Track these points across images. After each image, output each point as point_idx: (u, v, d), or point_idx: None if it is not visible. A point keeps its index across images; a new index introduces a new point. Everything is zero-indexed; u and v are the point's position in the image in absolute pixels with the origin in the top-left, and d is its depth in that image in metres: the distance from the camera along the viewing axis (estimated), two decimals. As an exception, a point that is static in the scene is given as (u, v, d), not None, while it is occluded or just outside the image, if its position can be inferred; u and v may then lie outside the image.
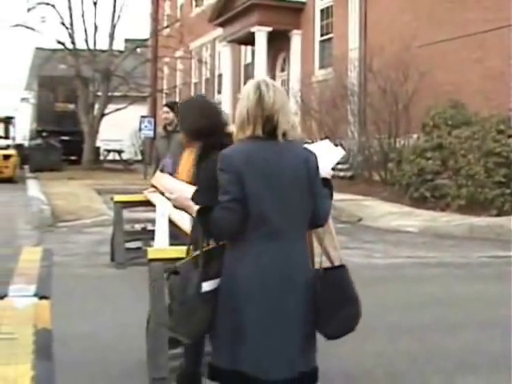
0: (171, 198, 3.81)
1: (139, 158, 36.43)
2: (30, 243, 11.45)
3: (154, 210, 6.62)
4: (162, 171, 9.52)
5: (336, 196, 13.60)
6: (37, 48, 33.45)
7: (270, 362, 3.46)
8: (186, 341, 3.62)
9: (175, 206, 3.85)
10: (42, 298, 7.65)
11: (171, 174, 9.24)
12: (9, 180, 23.29)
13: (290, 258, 3.50)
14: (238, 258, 3.46)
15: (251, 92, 3.59)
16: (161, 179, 4.56)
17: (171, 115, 9.51)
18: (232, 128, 3.74)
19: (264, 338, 3.46)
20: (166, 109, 9.61)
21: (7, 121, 33.53)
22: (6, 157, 26.57)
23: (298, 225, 3.54)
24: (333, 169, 3.89)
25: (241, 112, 3.57)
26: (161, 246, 5.41)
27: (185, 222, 5.08)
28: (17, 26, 29.83)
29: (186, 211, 3.79)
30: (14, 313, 7.14)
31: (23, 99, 55.68)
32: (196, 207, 3.59)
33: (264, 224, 3.44)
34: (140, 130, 29.20)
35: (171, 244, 5.46)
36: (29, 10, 29.86)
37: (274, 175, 3.47)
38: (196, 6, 33.93)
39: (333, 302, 3.58)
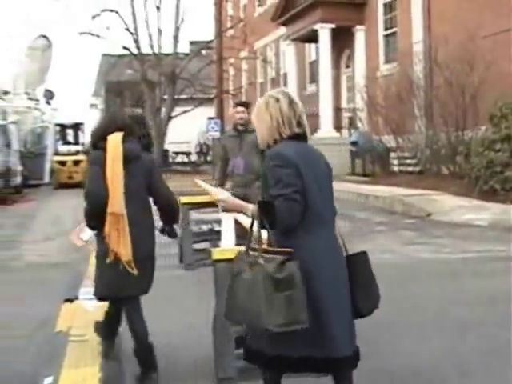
0: (220, 199, 4.00)
1: (207, 159, 36.70)
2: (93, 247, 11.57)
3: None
4: (232, 172, 9.56)
5: (405, 191, 13.51)
6: (103, 54, 33.99)
7: (340, 338, 3.76)
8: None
9: (225, 209, 4.03)
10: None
11: (242, 175, 9.27)
12: (78, 185, 23.64)
13: (336, 243, 3.91)
14: (297, 245, 3.68)
15: (280, 97, 3.94)
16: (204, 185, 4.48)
17: (246, 115, 9.46)
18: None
19: (333, 317, 3.74)
20: (241, 108, 9.53)
21: (77, 127, 34.13)
22: (76, 162, 27.08)
23: (333, 213, 3.97)
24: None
25: (273, 116, 3.89)
26: (226, 247, 5.43)
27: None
28: (83, 33, 30.33)
29: (238, 211, 4.01)
30: (85, 315, 7.28)
31: (92, 105, 56.61)
32: (250, 205, 3.83)
33: (316, 213, 3.78)
34: (207, 131, 29.45)
35: (238, 244, 5.49)
36: (93, 17, 30.32)
37: (316, 170, 3.86)
38: (259, 5, 33.96)
39: (365, 282, 3.98)
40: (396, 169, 21.84)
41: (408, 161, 21.30)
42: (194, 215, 9.77)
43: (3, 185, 20.66)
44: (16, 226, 12.83)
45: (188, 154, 38.44)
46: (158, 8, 31.29)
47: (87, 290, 8.24)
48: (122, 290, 5.27)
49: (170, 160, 36.71)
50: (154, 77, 31.78)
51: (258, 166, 9.27)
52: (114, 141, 5.35)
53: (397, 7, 23.54)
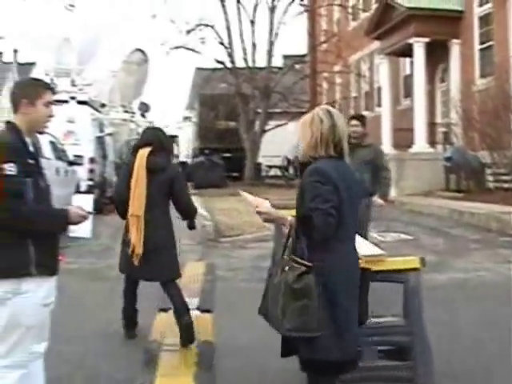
0: (260, 211, 4.28)
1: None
2: (193, 258, 11.72)
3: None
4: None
5: (501, 208, 13.10)
6: (197, 68, 34.45)
7: (354, 344, 4.19)
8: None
9: (266, 220, 4.38)
10: (204, 311, 7.85)
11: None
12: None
13: (356, 257, 4.30)
14: (325, 257, 4.03)
15: (324, 119, 4.27)
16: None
17: (360, 129, 9.38)
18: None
19: (353, 324, 4.17)
20: (355, 122, 9.44)
21: (171, 139, 34.65)
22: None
23: (355, 229, 4.33)
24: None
25: (313, 134, 4.25)
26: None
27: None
28: (177, 47, 30.77)
29: (277, 222, 4.51)
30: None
31: (185, 118, 57.37)
32: (289, 216, 4.21)
33: (346, 228, 4.11)
34: (299, 145, 29.44)
35: None
36: (188, 31, 30.72)
37: (351, 188, 4.19)
38: (352, 19, 33.85)
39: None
40: (491, 185, 21.37)
41: (504, 177, 20.81)
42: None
43: (99, 195, 21.14)
44: (111, 236, 13.05)
45: (281, 167, 38.51)
46: (252, 22, 31.53)
47: (181, 300, 8.33)
48: (134, 272, 6.79)
49: (263, 173, 36.78)
50: (248, 90, 31.96)
51: (369, 182, 9.21)
52: (141, 154, 6.71)
53: (493, 20, 23.10)
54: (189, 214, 7.16)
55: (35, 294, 4.12)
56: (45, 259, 4.17)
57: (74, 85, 22.93)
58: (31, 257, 4.08)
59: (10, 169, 3.97)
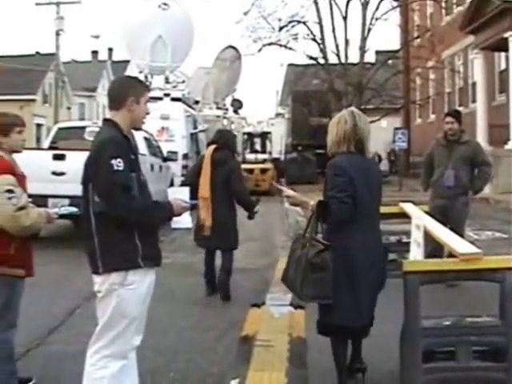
0: (288, 194, 5.24)
1: (394, 170, 36.29)
2: (286, 253, 11.72)
3: (410, 222, 6.53)
4: (436, 182, 9.37)
5: None
6: (289, 64, 34.39)
7: (368, 313, 5.11)
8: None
9: (291, 203, 5.39)
10: (297, 307, 7.84)
11: (449, 188, 9.09)
12: (265, 193, 24.08)
13: (376, 234, 5.29)
14: (348, 235, 4.94)
15: (348, 119, 5.15)
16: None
17: (456, 125, 9.26)
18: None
19: (367, 295, 5.03)
20: (450, 119, 9.33)
21: (264, 136, 34.79)
22: (263, 171, 27.56)
23: (378, 207, 5.34)
24: None
25: (338, 133, 5.14)
26: (416, 259, 5.34)
27: (444, 235, 5.07)
28: (270, 44, 30.79)
29: (301, 205, 5.32)
30: (271, 321, 7.38)
31: (278, 114, 57.49)
32: (312, 201, 5.01)
33: (365, 212, 5.00)
34: (394, 141, 29.17)
35: (430, 256, 5.49)
36: (281, 28, 30.69)
37: (369, 179, 5.12)
38: (446, 14, 33.24)
39: None
40: None
41: None
42: (382, 226, 9.65)
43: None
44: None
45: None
46: (344, 18, 31.31)
47: (274, 295, 8.37)
48: (205, 243, 8.71)
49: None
50: (341, 87, 31.76)
51: (467, 180, 9.10)
52: (208, 150, 8.75)
53: None
54: (244, 204, 8.74)
55: (140, 286, 4.26)
56: (150, 251, 4.33)
57: (168, 82, 23.26)
58: (138, 249, 4.24)
59: (118, 164, 4.13)
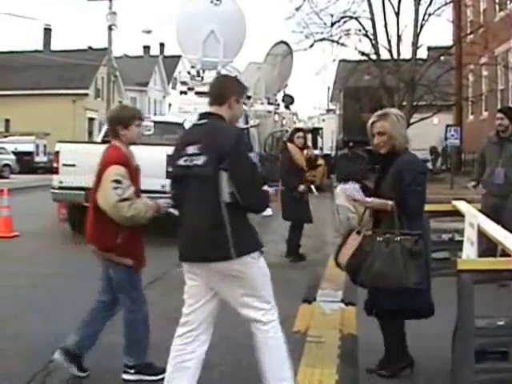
0: (367, 203, 5.57)
1: (445, 167, 35.96)
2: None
3: (462, 221, 6.49)
4: (487, 180, 9.29)
5: None
6: (341, 60, 34.15)
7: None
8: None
9: (371, 208, 5.65)
10: (348, 304, 7.85)
11: (500, 186, 8.99)
12: (317, 189, 24.02)
13: None
14: (422, 223, 5.57)
15: (402, 118, 5.75)
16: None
17: (506, 121, 9.18)
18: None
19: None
20: (500, 114, 9.26)
21: (315, 132, 34.73)
22: (314, 167, 27.48)
23: None
24: None
25: (403, 131, 5.70)
26: (470, 257, 5.31)
27: (498, 233, 5.05)
28: (322, 40, 30.66)
29: (382, 208, 5.48)
30: (322, 317, 7.40)
31: (329, 110, 57.33)
32: (389, 201, 5.41)
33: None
34: (446, 138, 28.90)
35: (484, 255, 5.71)
36: (333, 24, 30.56)
37: None
38: (499, 10, 32.76)
39: None
40: None
41: None
42: (434, 224, 9.58)
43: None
44: (257, 226, 13.28)
45: (424, 161, 37.93)
46: (397, 14, 31.07)
47: (325, 292, 8.38)
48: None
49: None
50: (393, 83, 31.52)
51: None
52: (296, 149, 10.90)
53: None
54: None
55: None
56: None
57: (220, 78, 23.32)
58: (257, 233, 4.85)
59: (253, 157, 4.59)
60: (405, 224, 5.34)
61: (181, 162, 4.76)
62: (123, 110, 5.83)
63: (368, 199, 5.54)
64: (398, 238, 5.28)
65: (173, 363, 4.80)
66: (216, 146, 4.58)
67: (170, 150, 12.87)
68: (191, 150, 4.69)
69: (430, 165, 37.08)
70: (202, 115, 4.90)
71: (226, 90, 4.84)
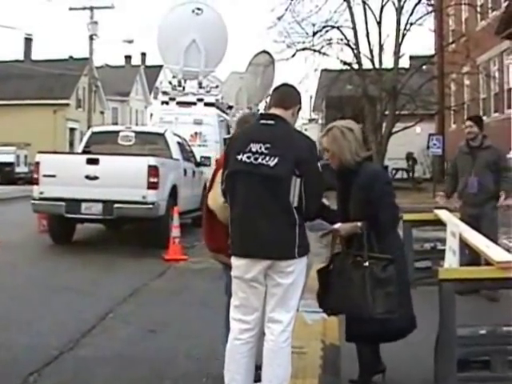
0: (338, 231, 5.39)
1: (427, 176, 36.07)
2: (320, 261, 11.70)
3: (444, 229, 6.51)
4: (462, 190, 9.31)
5: None
6: (323, 70, 34.23)
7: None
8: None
9: (344, 234, 5.43)
10: (330, 314, 7.81)
11: (475, 195, 9.01)
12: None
13: None
14: (396, 242, 5.47)
15: (354, 127, 5.52)
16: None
17: (475, 129, 9.19)
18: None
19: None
20: (469, 123, 9.27)
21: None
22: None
23: None
24: None
25: (357, 138, 5.49)
26: (452, 266, 5.32)
27: (479, 242, 5.07)
28: (304, 49, 30.71)
29: (353, 231, 5.31)
30: (304, 327, 7.37)
31: (311, 120, 57.47)
32: (358, 223, 5.24)
33: None
34: (428, 147, 29.03)
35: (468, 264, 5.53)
36: (314, 33, 30.63)
37: None
38: (481, 19, 32.96)
39: None
40: None
41: None
42: (416, 233, 9.61)
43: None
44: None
45: (408, 170, 37.96)
46: (378, 23, 31.20)
47: (307, 302, 8.33)
48: None
49: (390, 176, 36.44)
50: (375, 92, 31.62)
51: (492, 185, 9.00)
52: None
53: None
54: None
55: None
56: None
57: (201, 87, 23.32)
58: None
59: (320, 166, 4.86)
60: (375, 243, 5.16)
61: (243, 157, 4.76)
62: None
63: (336, 226, 5.35)
64: (367, 263, 5.09)
65: (243, 367, 4.93)
66: (292, 150, 4.69)
67: (152, 160, 13.18)
68: (257, 147, 4.74)
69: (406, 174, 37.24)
70: (268, 115, 5.00)
71: (295, 96, 5.05)
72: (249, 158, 4.73)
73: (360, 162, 5.39)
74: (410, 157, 38.94)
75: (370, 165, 5.54)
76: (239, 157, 4.77)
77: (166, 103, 21.91)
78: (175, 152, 15.50)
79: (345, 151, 5.39)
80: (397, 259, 5.13)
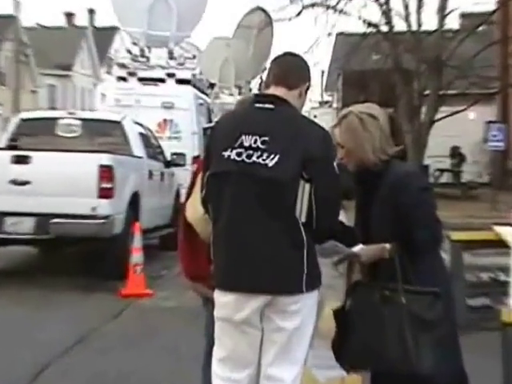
0: (359, 257, 5.31)
1: (484, 180, 35.93)
2: (335, 295, 11.72)
3: (509, 254, 6.54)
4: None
5: None
6: (340, 34, 34.09)
7: None
8: None
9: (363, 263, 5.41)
10: (350, 369, 7.85)
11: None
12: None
13: None
14: (441, 269, 5.43)
15: (380, 112, 5.43)
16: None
17: None
18: None
19: None
20: None
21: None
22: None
23: None
24: None
25: (385, 129, 5.36)
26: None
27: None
28: (314, 5, 30.56)
29: (377, 256, 5.24)
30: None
31: (323, 103, 57.45)
32: (386, 244, 5.14)
33: None
34: (485, 140, 28.90)
35: None
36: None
37: None
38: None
39: None
40: None
41: None
42: (469, 258, 9.64)
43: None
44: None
45: (457, 172, 37.60)
46: (417, -32, 31.19)
47: (320, 353, 8.36)
48: None
49: (432, 180, 36.11)
50: (411, 64, 31.52)
51: None
52: None
53: None
54: None
55: None
56: None
57: (172, 58, 23.35)
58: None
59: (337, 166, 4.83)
60: (410, 272, 5.02)
61: (231, 154, 4.72)
62: None
63: (356, 250, 5.25)
64: (403, 300, 4.95)
65: None
66: (299, 145, 4.65)
67: (105, 158, 13.16)
68: (250, 141, 4.70)
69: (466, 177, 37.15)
70: (265, 97, 4.98)
71: (303, 70, 5.05)
72: (239, 155, 4.69)
73: (387, 161, 5.27)
74: (455, 152, 38.67)
75: (402, 165, 5.38)
76: (226, 154, 4.72)
77: (124, 80, 21.90)
78: (137, 147, 15.50)
79: (365, 147, 5.26)
80: (441, 294, 5.00)
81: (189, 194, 5.76)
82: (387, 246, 5.08)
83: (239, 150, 4.70)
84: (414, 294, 4.94)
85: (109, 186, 13.05)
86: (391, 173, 5.21)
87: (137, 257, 12.70)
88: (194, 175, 5.75)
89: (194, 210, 5.48)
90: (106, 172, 13.02)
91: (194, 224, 5.54)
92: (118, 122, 15.77)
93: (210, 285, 5.01)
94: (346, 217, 5.48)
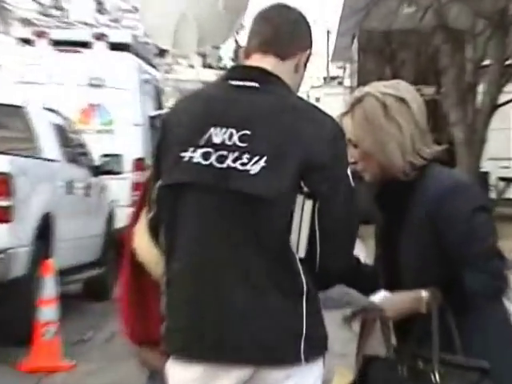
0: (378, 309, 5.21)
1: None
2: (346, 366, 11.93)
3: None
4: None
5: None
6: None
7: None
8: None
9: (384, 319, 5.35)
10: None
11: None
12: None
13: None
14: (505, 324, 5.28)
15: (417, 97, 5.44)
16: None
17: None
18: None
19: None
20: None
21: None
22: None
23: None
24: None
25: (420, 122, 5.37)
26: None
27: None
28: None
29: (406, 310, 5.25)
30: None
31: (328, 80, 57.92)
32: (423, 292, 5.07)
33: None
34: None
35: None
36: None
37: None
38: None
39: None
40: None
41: None
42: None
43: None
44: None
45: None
46: None
47: None
48: None
49: (494, 195, 36.31)
50: (460, 22, 31.77)
51: None
52: None
53: None
54: None
55: None
56: None
57: (101, 12, 23.44)
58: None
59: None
60: (455, 334, 5.02)
61: (194, 155, 4.58)
62: None
63: (377, 300, 5.18)
64: (437, 377, 4.92)
65: None
66: (296, 143, 4.51)
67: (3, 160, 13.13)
68: (223, 136, 4.57)
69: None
70: (244, 70, 4.83)
71: (303, 33, 4.93)
72: (206, 157, 4.57)
73: (423, 167, 5.19)
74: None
75: (446, 173, 5.31)
76: (186, 155, 4.60)
77: (29, 43, 21.89)
78: (48, 145, 15.43)
79: (390, 146, 5.15)
80: (501, 368, 4.95)
81: (137, 216, 5.51)
82: (424, 294, 5.01)
83: (206, 150, 4.56)
84: (453, 368, 4.89)
85: (4, 204, 12.92)
86: (429, 185, 5.12)
87: (48, 312, 12.62)
88: (145, 188, 5.48)
89: (147, 240, 5.33)
90: (0, 183, 12.88)
91: (145, 261, 5.34)
92: (18, 108, 15.66)
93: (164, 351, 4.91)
94: (363, 250, 5.26)
